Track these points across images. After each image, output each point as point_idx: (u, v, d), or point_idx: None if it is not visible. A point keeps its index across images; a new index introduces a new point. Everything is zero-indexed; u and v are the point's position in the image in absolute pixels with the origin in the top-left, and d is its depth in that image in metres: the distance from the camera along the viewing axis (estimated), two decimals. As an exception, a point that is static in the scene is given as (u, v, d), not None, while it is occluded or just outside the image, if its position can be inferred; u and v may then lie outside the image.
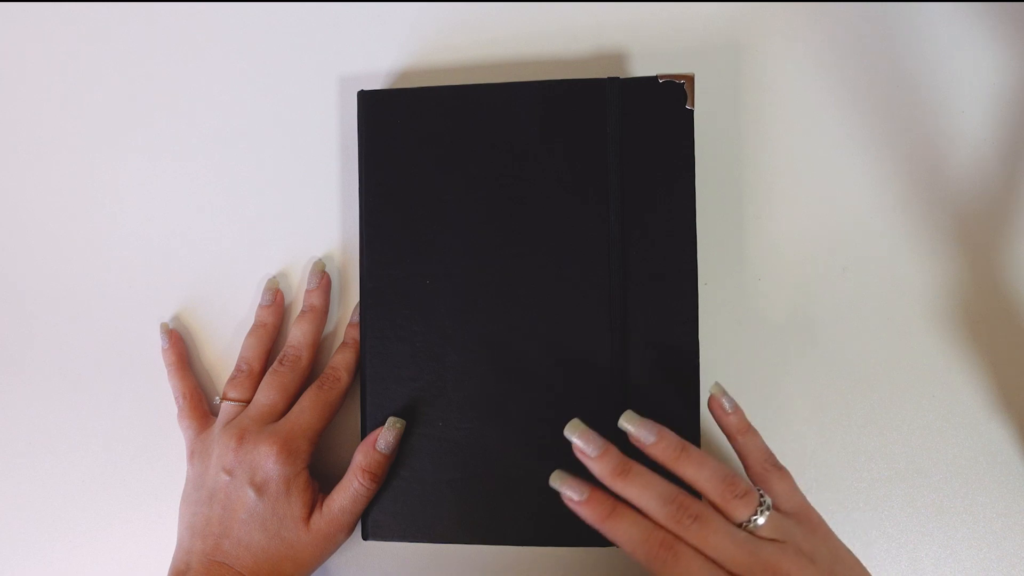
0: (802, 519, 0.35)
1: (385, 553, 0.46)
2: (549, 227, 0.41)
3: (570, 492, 0.35)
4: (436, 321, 0.42)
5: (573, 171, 0.41)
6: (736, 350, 0.44)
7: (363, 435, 0.42)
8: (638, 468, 0.35)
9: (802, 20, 0.45)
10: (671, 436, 0.35)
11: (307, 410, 0.42)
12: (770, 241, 0.44)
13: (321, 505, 0.42)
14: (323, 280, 0.45)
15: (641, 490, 0.34)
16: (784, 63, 0.45)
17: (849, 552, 0.35)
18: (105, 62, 0.49)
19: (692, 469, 0.34)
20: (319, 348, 0.45)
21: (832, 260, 0.44)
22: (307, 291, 0.45)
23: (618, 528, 0.34)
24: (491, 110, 0.42)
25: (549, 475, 0.41)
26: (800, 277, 0.44)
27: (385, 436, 0.41)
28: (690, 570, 0.32)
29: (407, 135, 0.42)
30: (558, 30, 0.46)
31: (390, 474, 0.42)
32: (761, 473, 0.36)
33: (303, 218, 0.47)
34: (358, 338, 0.43)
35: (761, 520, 0.34)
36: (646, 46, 0.45)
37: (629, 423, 0.36)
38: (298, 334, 0.44)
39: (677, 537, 0.33)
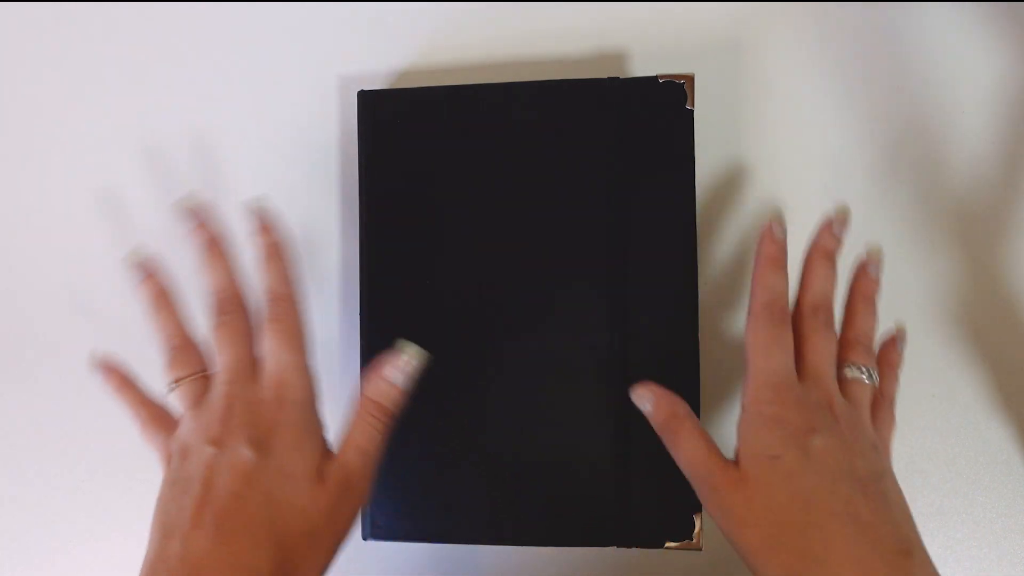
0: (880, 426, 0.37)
1: (385, 553, 0.45)
2: (549, 227, 0.41)
3: (776, 227, 0.36)
4: (436, 321, 0.42)
5: (573, 171, 0.41)
6: (736, 350, 0.44)
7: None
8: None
9: (802, 20, 0.45)
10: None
11: (278, 351, 0.35)
12: (770, 241, 0.44)
13: (332, 456, 0.35)
14: (209, 209, 0.38)
15: None
16: (784, 63, 0.45)
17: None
18: (104, 62, 0.49)
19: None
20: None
21: (832, 260, 0.44)
22: (195, 229, 0.38)
23: (776, 274, 0.36)
24: (491, 110, 0.42)
25: (549, 475, 0.41)
26: (800, 277, 0.44)
27: (402, 367, 0.36)
28: (785, 337, 0.35)
29: (407, 135, 0.42)
30: (558, 30, 0.46)
31: (390, 474, 0.42)
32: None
33: (303, 218, 0.47)
34: (275, 240, 0.37)
35: (854, 375, 0.36)
36: (646, 46, 0.45)
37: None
38: (217, 275, 0.37)
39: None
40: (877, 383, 0.37)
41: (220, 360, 0.36)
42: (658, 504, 0.40)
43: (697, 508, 0.40)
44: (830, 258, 0.37)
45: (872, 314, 0.38)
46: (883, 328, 0.40)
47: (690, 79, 0.41)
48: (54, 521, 0.48)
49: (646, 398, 0.37)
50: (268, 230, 0.38)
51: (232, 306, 0.37)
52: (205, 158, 0.48)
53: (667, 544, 0.40)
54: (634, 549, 0.41)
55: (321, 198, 0.47)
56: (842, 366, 0.37)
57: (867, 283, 0.39)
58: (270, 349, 0.36)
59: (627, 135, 0.41)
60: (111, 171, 0.48)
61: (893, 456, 0.44)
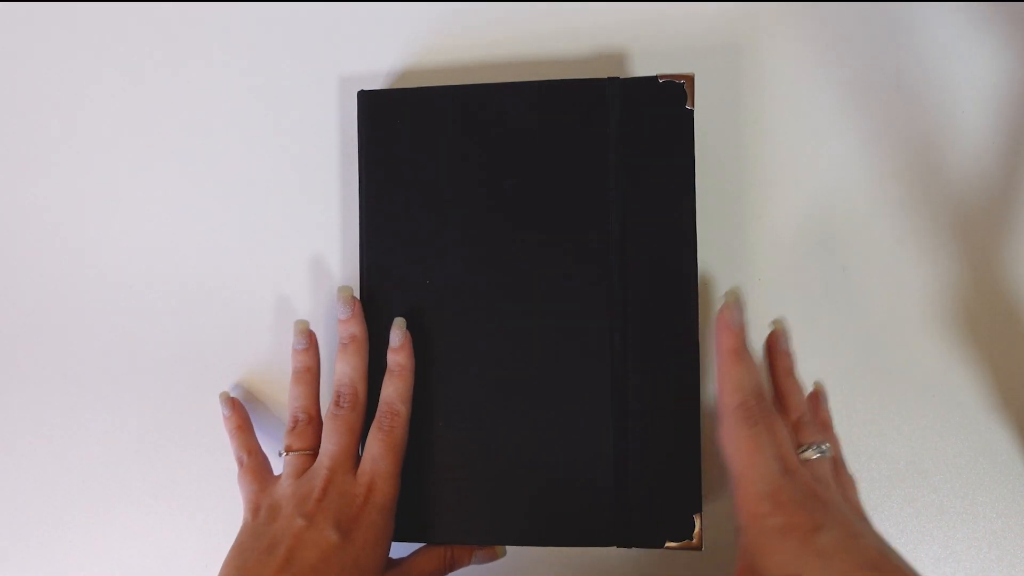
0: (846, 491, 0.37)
1: (385, 553, 0.46)
2: (549, 227, 0.41)
3: (731, 313, 0.36)
4: (436, 321, 0.42)
5: (573, 171, 0.41)
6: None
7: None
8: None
9: (802, 20, 0.45)
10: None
11: (380, 458, 0.40)
12: (770, 241, 0.44)
13: (400, 562, 0.41)
14: (355, 307, 0.42)
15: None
16: (784, 63, 0.45)
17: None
18: (104, 62, 0.48)
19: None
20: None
21: (832, 260, 0.44)
22: (341, 321, 0.42)
23: (739, 367, 0.36)
24: (491, 110, 0.42)
25: (549, 475, 0.41)
26: (800, 277, 0.44)
27: (483, 553, 0.43)
28: (764, 436, 0.35)
29: (407, 135, 0.42)
30: (558, 30, 0.46)
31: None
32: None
33: (303, 218, 0.47)
34: (403, 363, 0.41)
35: (814, 455, 0.36)
36: (646, 46, 0.45)
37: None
38: (347, 370, 0.41)
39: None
40: (830, 453, 0.37)
41: (327, 446, 0.40)
42: (658, 504, 0.40)
43: (697, 508, 0.40)
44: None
45: (799, 387, 0.40)
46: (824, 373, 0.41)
47: (690, 79, 0.41)
48: (54, 521, 0.48)
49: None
50: (404, 351, 0.41)
51: (351, 402, 0.41)
52: (205, 158, 0.48)
53: (667, 544, 0.40)
54: (634, 549, 0.41)
55: (321, 198, 0.47)
56: (797, 450, 0.36)
57: (783, 359, 0.40)
58: (372, 454, 0.40)
59: (627, 135, 0.41)
60: (111, 171, 0.48)
61: (893, 456, 0.44)
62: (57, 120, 0.49)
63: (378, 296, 0.42)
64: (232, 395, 0.45)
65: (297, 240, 0.47)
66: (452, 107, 0.42)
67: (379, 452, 0.40)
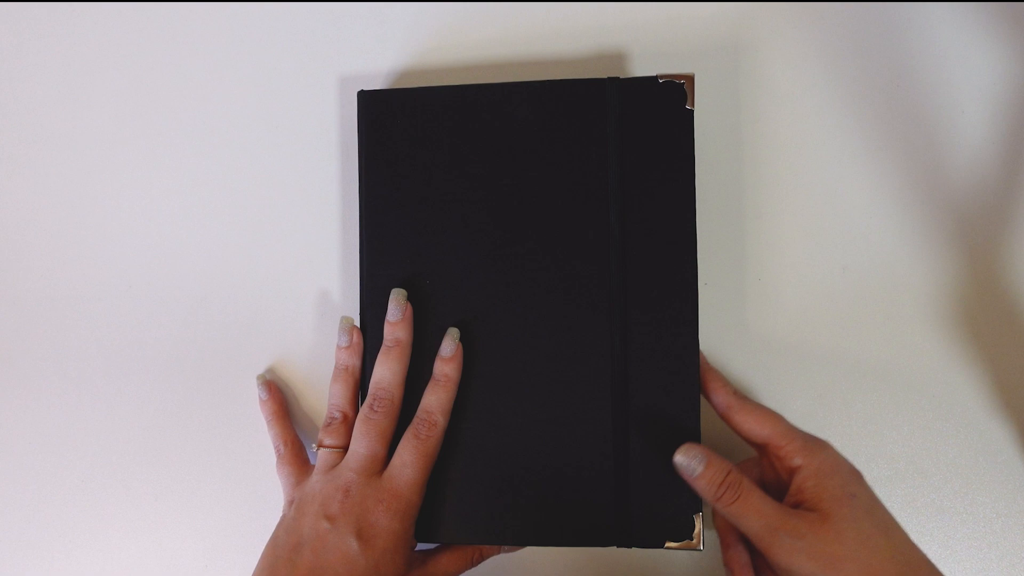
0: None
1: (385, 553, 0.46)
2: (549, 227, 0.41)
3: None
4: (436, 321, 0.42)
5: (573, 171, 0.41)
6: (736, 350, 0.44)
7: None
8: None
9: (802, 20, 0.45)
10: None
11: (409, 465, 0.40)
12: (770, 241, 0.44)
13: (424, 564, 0.41)
14: (407, 311, 0.41)
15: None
16: (784, 63, 0.45)
17: None
18: (105, 62, 0.48)
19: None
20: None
21: (832, 260, 0.44)
22: (390, 323, 0.41)
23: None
24: (491, 110, 0.42)
25: (549, 475, 0.41)
26: (800, 277, 0.44)
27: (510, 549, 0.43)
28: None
29: (407, 135, 0.42)
30: (558, 30, 0.46)
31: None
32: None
33: (303, 218, 0.47)
34: (450, 374, 0.41)
35: None
36: (646, 46, 0.45)
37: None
38: (386, 374, 0.41)
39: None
40: None
41: (355, 448, 0.40)
42: (658, 504, 0.40)
43: (697, 508, 0.40)
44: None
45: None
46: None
47: (690, 79, 0.41)
48: (55, 521, 0.48)
49: (698, 459, 0.37)
50: (453, 362, 0.41)
51: (385, 406, 0.41)
52: (205, 158, 0.48)
53: (667, 544, 0.40)
54: (634, 549, 0.41)
55: (321, 198, 0.47)
56: None
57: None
58: (403, 459, 0.40)
59: (627, 135, 0.41)
60: (111, 171, 0.48)
61: (893, 456, 0.44)
62: (57, 120, 0.49)
63: (378, 296, 0.42)
64: (269, 378, 0.46)
65: (297, 240, 0.47)
66: (452, 107, 0.42)
67: (410, 459, 0.40)
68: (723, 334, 0.44)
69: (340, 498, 0.39)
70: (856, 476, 0.37)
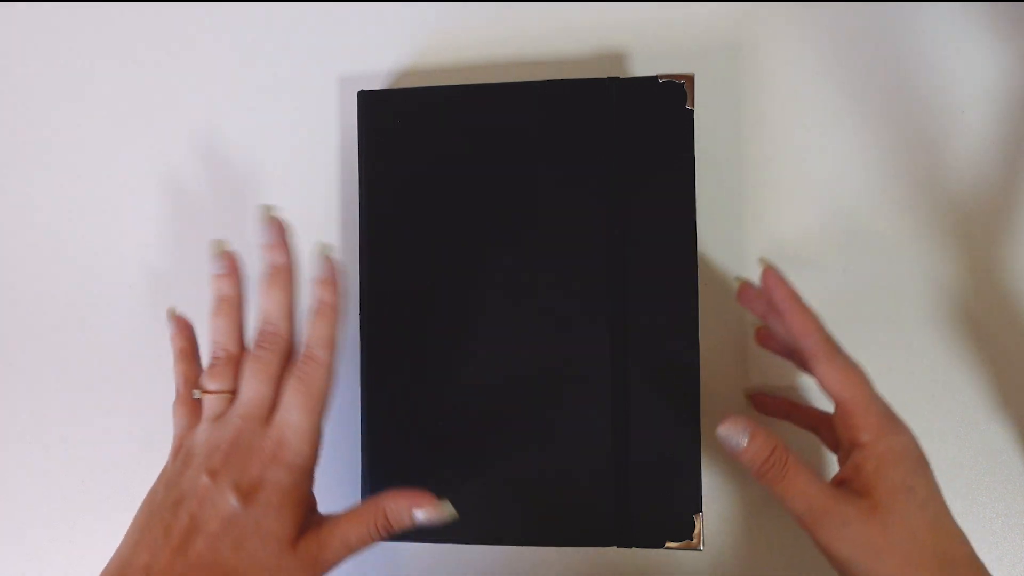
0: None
1: (385, 553, 0.45)
2: (549, 227, 0.41)
3: (774, 270, 0.37)
4: (436, 321, 0.42)
5: (573, 171, 0.41)
6: (736, 350, 0.44)
7: (363, 437, 0.42)
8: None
9: (802, 20, 0.45)
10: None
11: (293, 408, 0.35)
12: (770, 241, 0.44)
13: (319, 528, 0.35)
14: (279, 230, 0.38)
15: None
16: (784, 63, 0.45)
17: None
18: (105, 62, 0.49)
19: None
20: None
21: (832, 260, 0.44)
22: (264, 247, 0.37)
23: (807, 309, 0.37)
24: (491, 110, 0.42)
25: (549, 475, 0.41)
26: (800, 277, 0.44)
27: (428, 512, 0.36)
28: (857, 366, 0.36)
29: (407, 135, 0.42)
30: (558, 30, 0.46)
31: (390, 474, 0.42)
32: None
33: (303, 218, 0.47)
34: (329, 300, 0.37)
35: None
36: (646, 46, 0.45)
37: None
38: (270, 305, 0.37)
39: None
40: None
41: (243, 391, 0.37)
42: (658, 504, 0.40)
43: (697, 508, 0.40)
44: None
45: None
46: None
47: (690, 79, 0.41)
48: (54, 521, 0.48)
49: (742, 432, 0.35)
50: (330, 286, 0.37)
51: (273, 343, 0.37)
52: (206, 158, 0.48)
53: (667, 544, 0.40)
54: (634, 549, 0.41)
55: (321, 198, 0.47)
56: None
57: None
58: (285, 404, 0.36)
59: (627, 135, 0.41)
60: (111, 171, 0.48)
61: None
62: (57, 120, 0.49)
63: (378, 296, 0.42)
64: (179, 313, 0.41)
65: (297, 240, 0.47)
66: (452, 107, 0.42)
67: (292, 402, 0.36)
68: (723, 334, 0.44)
69: (224, 450, 0.35)
70: (920, 467, 0.35)
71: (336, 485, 0.42)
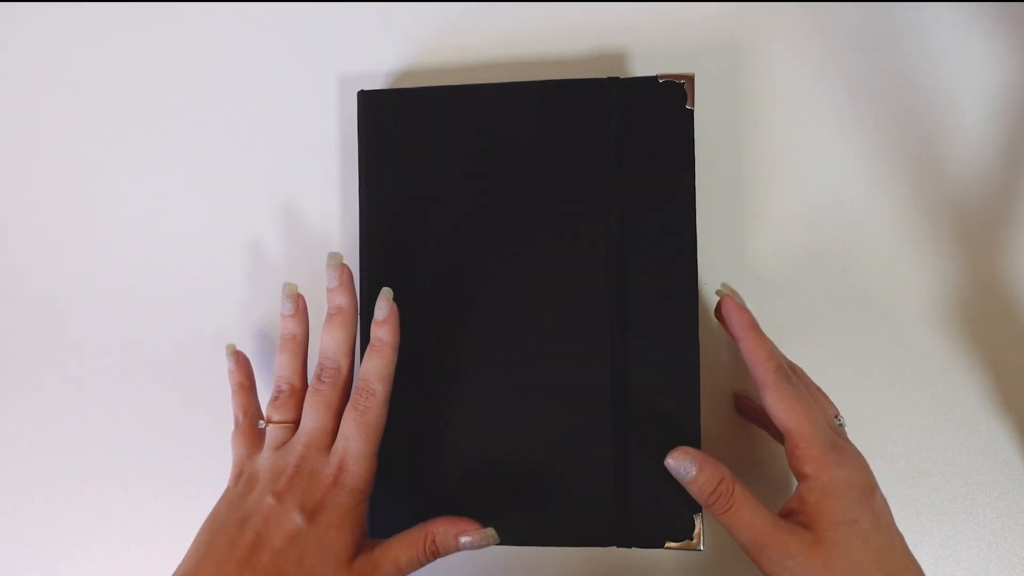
0: None
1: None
2: (549, 227, 0.41)
3: (733, 298, 0.39)
4: (436, 321, 0.42)
5: (573, 171, 0.41)
6: (736, 350, 0.44)
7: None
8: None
9: (802, 20, 0.45)
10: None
11: (352, 438, 0.38)
12: (770, 241, 0.44)
13: (372, 549, 0.38)
14: (344, 274, 0.40)
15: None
16: (784, 63, 0.45)
17: None
18: (104, 63, 0.48)
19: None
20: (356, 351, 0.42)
21: (832, 260, 0.44)
22: (329, 290, 0.40)
23: (764, 338, 0.38)
24: (491, 110, 0.42)
25: (549, 475, 0.41)
26: (800, 277, 0.44)
27: (473, 538, 0.38)
28: (807, 397, 0.37)
29: (407, 135, 0.42)
30: (558, 30, 0.46)
31: (390, 474, 0.42)
32: None
33: (303, 218, 0.47)
34: (385, 338, 0.39)
35: (838, 423, 0.39)
36: (646, 46, 0.45)
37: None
38: (331, 343, 0.40)
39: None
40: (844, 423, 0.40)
41: (304, 422, 0.39)
42: (658, 504, 0.40)
43: (697, 508, 0.40)
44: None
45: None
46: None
47: (690, 79, 0.41)
48: (54, 521, 0.48)
49: (690, 462, 0.37)
50: (387, 326, 0.39)
51: (332, 377, 0.39)
52: (205, 158, 0.48)
53: (667, 544, 0.40)
54: (634, 549, 0.41)
55: (321, 198, 0.47)
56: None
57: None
58: (344, 433, 0.38)
59: (627, 135, 0.41)
60: (110, 171, 0.48)
61: (893, 456, 0.44)
62: (57, 120, 0.49)
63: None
64: (237, 349, 0.44)
65: (297, 240, 0.47)
66: (452, 107, 0.42)
67: (351, 432, 0.38)
68: (723, 334, 0.44)
69: (289, 474, 0.37)
70: (864, 498, 0.35)
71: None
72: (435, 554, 0.38)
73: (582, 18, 0.46)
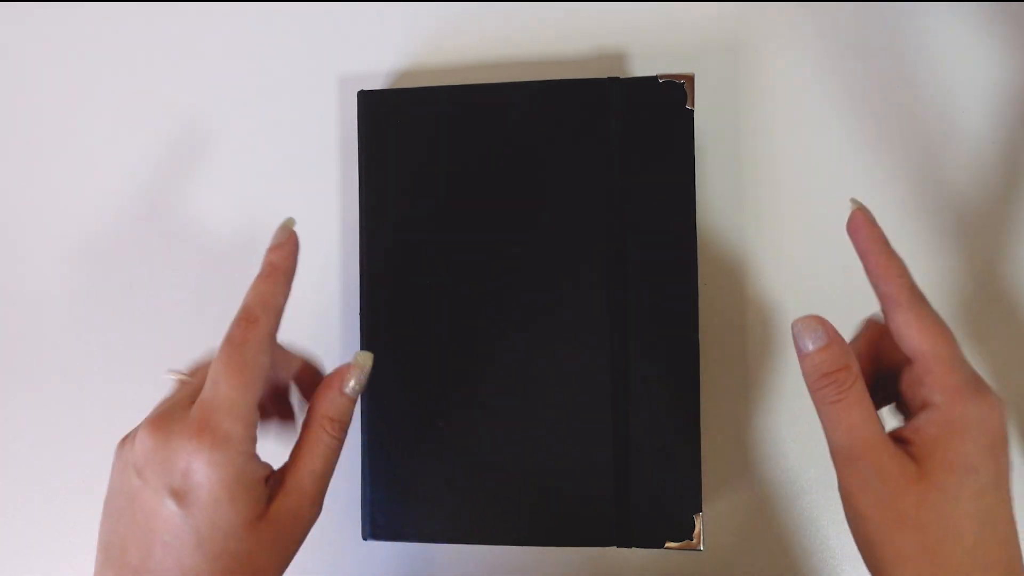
0: None
1: (385, 553, 0.46)
2: (549, 227, 0.41)
3: (865, 211, 0.32)
4: (436, 321, 0.42)
5: (573, 171, 0.41)
6: (736, 350, 0.44)
7: (363, 435, 0.42)
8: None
9: (802, 20, 0.45)
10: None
11: (219, 380, 0.30)
12: (770, 241, 0.44)
13: (283, 482, 0.31)
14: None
15: None
16: (784, 63, 0.45)
17: None
18: (104, 62, 0.49)
19: None
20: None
21: (832, 260, 0.44)
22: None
23: (895, 255, 0.32)
24: (491, 110, 0.42)
25: (549, 475, 0.41)
26: (800, 277, 0.44)
27: (355, 378, 0.32)
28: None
29: (407, 135, 0.42)
30: (558, 30, 0.46)
31: (390, 474, 0.42)
32: None
33: (303, 218, 0.47)
34: (276, 262, 0.33)
35: None
36: (646, 46, 0.45)
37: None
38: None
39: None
40: None
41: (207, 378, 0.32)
42: (658, 504, 0.40)
43: (697, 508, 0.40)
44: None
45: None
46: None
47: (690, 79, 0.41)
48: (54, 521, 0.48)
49: (815, 333, 0.31)
50: (284, 251, 0.33)
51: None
52: (205, 158, 0.48)
53: (667, 544, 0.40)
54: (634, 549, 0.41)
55: (321, 198, 0.47)
56: None
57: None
58: (211, 377, 0.30)
59: (627, 135, 0.41)
60: (111, 171, 0.48)
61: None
62: (56, 120, 0.49)
63: (378, 296, 0.42)
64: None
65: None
66: (452, 107, 0.42)
67: (220, 372, 0.30)
68: (723, 333, 0.44)
69: (151, 443, 0.30)
70: (993, 448, 0.29)
71: (336, 484, 0.42)
72: (340, 428, 0.33)
73: (582, 18, 0.46)
